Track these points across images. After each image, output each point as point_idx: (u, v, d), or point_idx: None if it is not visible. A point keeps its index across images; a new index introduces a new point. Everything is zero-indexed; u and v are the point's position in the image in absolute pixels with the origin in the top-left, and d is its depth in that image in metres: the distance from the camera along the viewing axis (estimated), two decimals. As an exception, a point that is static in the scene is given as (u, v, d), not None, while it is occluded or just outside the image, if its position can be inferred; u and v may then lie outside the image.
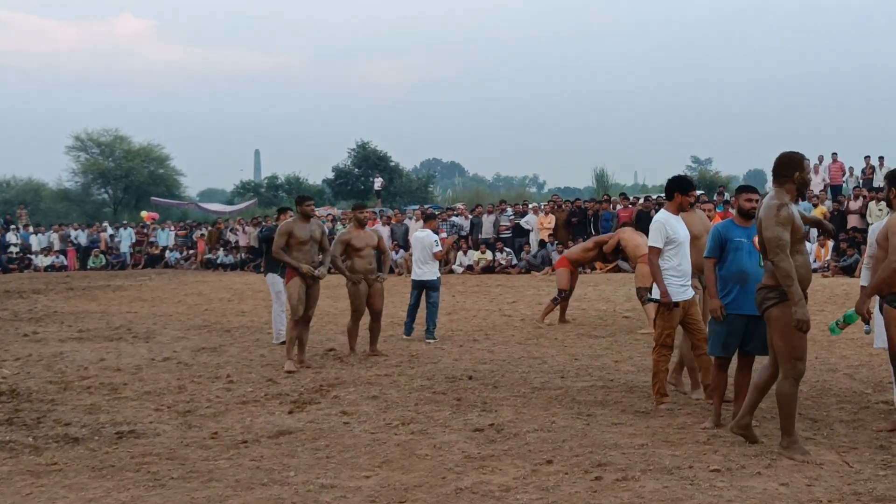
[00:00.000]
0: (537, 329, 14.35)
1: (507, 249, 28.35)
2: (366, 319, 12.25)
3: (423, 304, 13.55)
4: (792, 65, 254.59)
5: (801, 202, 23.74)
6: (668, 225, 8.29)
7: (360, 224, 12.13)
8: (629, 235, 14.81)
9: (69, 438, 7.76)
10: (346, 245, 11.91)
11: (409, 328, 13.70)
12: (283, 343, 12.82)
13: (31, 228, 41.91)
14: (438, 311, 13.80)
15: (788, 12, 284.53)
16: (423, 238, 13.45)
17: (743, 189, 8.13)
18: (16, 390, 10.02)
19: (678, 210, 8.55)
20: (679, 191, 8.51)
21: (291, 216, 13.00)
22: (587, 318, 15.26)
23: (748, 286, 7.39)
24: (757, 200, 7.69)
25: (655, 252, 8.27)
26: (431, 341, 13.20)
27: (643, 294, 13.98)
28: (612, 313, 15.88)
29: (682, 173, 9.05)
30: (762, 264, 7.05)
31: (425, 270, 13.36)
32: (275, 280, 13.26)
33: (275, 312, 13.62)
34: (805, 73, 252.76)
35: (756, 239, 7.11)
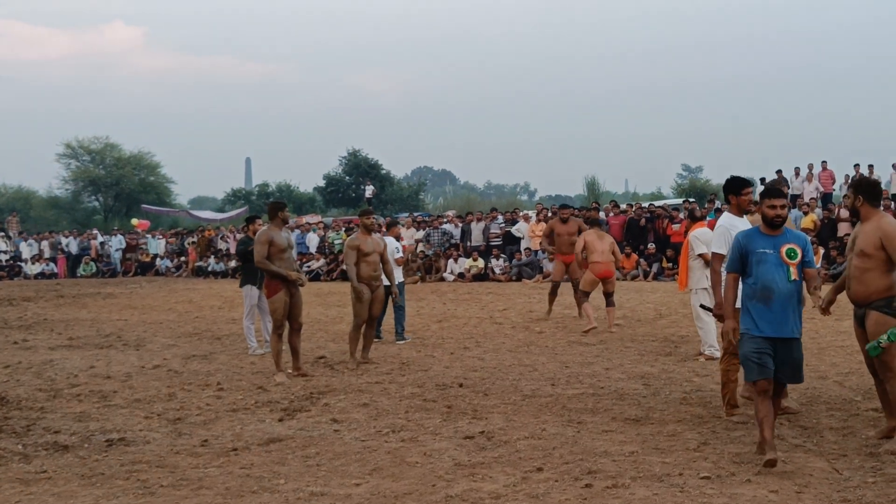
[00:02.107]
0: (528, 336, 14.34)
1: (503, 256, 28.37)
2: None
3: (389, 309, 13.88)
4: (783, 74, 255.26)
5: (791, 210, 23.53)
6: (732, 229, 7.90)
7: (368, 230, 12.08)
8: (591, 239, 15.17)
9: (59, 446, 7.74)
10: (357, 251, 11.86)
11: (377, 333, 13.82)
12: (262, 354, 12.80)
13: (23, 235, 41.85)
14: (405, 314, 14.36)
15: (780, 22, 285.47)
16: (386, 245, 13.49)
17: (768, 193, 7.04)
18: (5, 398, 9.99)
19: (740, 212, 8.32)
20: (732, 192, 8.33)
21: (261, 225, 12.98)
22: (578, 326, 15.26)
23: (773, 304, 6.70)
24: (784, 206, 6.88)
25: (718, 259, 7.87)
26: (402, 342, 13.55)
27: (579, 296, 14.99)
28: (602, 320, 15.88)
29: (736, 175, 8.51)
30: (791, 279, 6.66)
31: None
32: (251, 292, 13.23)
33: (245, 325, 13.53)
34: (796, 82, 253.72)
35: (784, 250, 6.71)
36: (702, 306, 9.22)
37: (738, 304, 7.03)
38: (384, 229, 28.41)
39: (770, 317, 6.71)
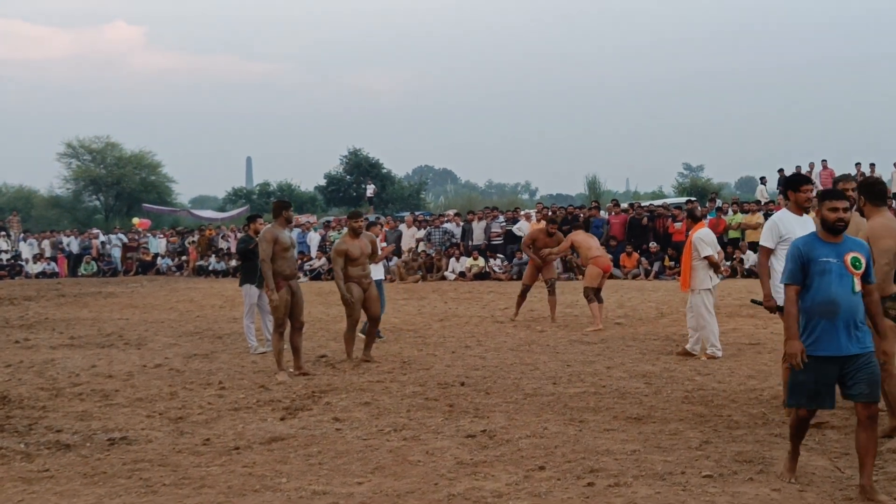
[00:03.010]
0: (529, 335, 14.34)
1: (500, 256, 28.38)
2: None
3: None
4: (783, 73, 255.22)
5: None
6: (782, 224, 7.86)
7: (355, 233, 12.03)
8: (581, 238, 15.49)
9: (61, 445, 7.74)
10: (345, 256, 11.83)
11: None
12: (263, 353, 12.80)
13: (24, 234, 41.88)
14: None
15: (780, 22, 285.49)
16: None
17: (828, 195, 6.22)
18: (7, 397, 10.00)
19: (800, 209, 8.13)
20: (790, 188, 8.18)
21: (262, 224, 13.00)
22: (579, 324, 15.26)
23: (838, 320, 5.94)
24: (846, 210, 6.11)
25: (765, 252, 7.82)
26: (379, 339, 13.51)
27: (589, 293, 14.86)
28: (604, 319, 15.88)
29: (795, 171, 8.41)
30: (856, 290, 5.98)
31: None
32: (250, 291, 13.21)
33: (245, 324, 13.51)
34: (796, 81, 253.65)
35: (849, 259, 6.00)
36: (753, 301, 8.83)
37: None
38: (385, 228, 28.29)
39: (835, 334, 5.95)
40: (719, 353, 11.57)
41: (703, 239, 11.72)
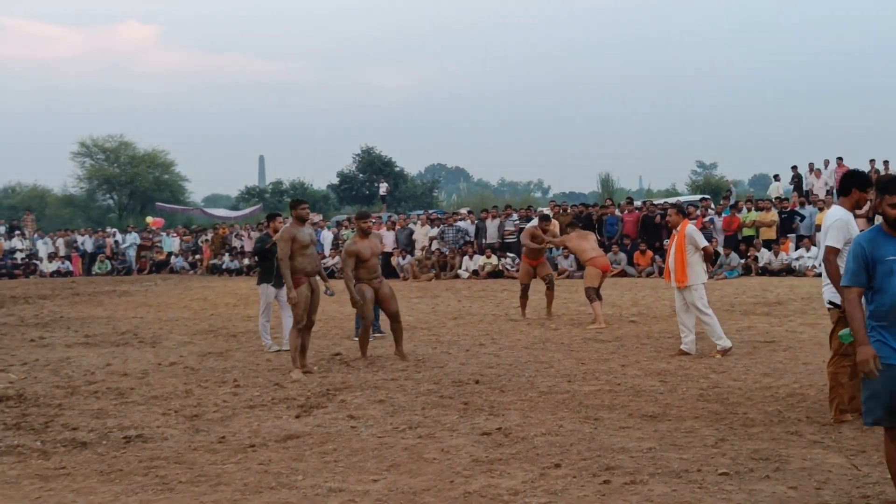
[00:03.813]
0: (544, 333, 14.33)
1: (511, 255, 28.35)
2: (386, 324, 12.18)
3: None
4: (798, 68, 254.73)
5: (806, 206, 23.52)
6: (851, 225, 7.47)
7: (365, 234, 12.04)
8: (575, 243, 15.80)
9: (77, 443, 7.77)
10: (355, 257, 11.83)
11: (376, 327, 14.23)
12: (279, 351, 12.82)
13: (38, 233, 42.03)
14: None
15: (793, 17, 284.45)
16: None
17: (888, 188, 5.58)
18: (23, 395, 10.04)
19: (853, 207, 7.78)
20: (857, 186, 7.72)
21: (282, 223, 13.02)
22: (593, 322, 15.23)
23: None
24: None
25: (834, 252, 7.33)
26: (380, 335, 13.86)
27: (591, 293, 15.05)
28: (619, 317, 15.86)
29: (858, 169, 7.93)
30: None
31: None
32: (267, 290, 13.21)
33: (261, 323, 13.47)
34: (811, 77, 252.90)
35: None
36: (830, 303, 8.23)
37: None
38: (397, 227, 28.34)
39: None
40: (729, 344, 11.56)
41: (698, 230, 11.94)
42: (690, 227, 11.82)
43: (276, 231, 13.06)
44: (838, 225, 7.43)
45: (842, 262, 7.04)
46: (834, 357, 7.78)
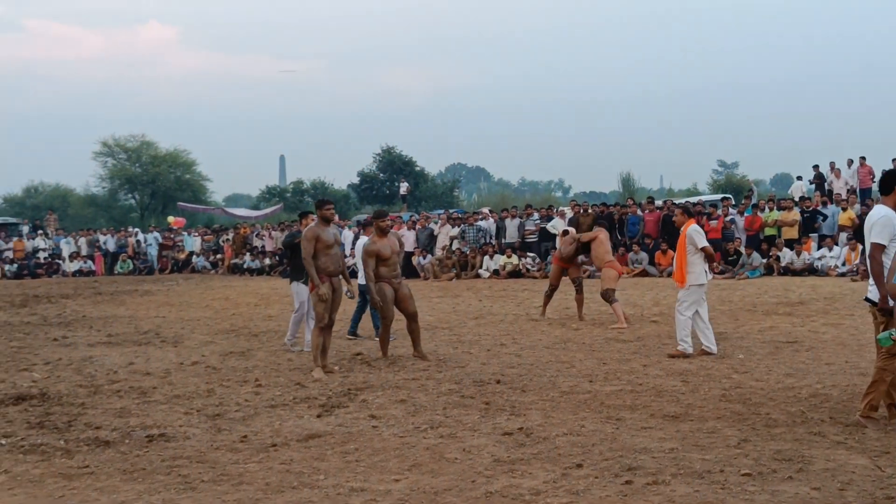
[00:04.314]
0: (565, 333, 14.31)
1: (531, 254, 28.31)
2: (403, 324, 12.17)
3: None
4: (819, 67, 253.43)
5: (828, 206, 23.28)
6: (895, 222, 7.42)
7: (383, 232, 12.03)
8: (604, 238, 15.98)
9: (100, 442, 7.80)
10: (376, 257, 11.85)
11: (353, 328, 14.57)
12: (301, 351, 12.83)
13: (60, 232, 42.28)
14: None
15: (815, 14, 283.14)
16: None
17: None
18: (46, 394, 10.09)
19: None
20: None
21: (314, 220, 13.02)
22: (615, 322, 15.19)
23: None
24: None
25: (880, 249, 7.34)
26: (353, 339, 14.02)
27: (611, 294, 15.10)
28: (640, 317, 15.82)
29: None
30: None
31: None
32: (299, 289, 13.19)
33: (294, 319, 13.39)
34: (833, 75, 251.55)
35: None
36: (867, 300, 8.12)
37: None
38: (418, 226, 28.38)
39: None
40: (690, 350, 11.61)
41: (699, 231, 11.91)
42: (692, 228, 11.83)
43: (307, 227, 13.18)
44: (883, 222, 7.42)
45: (887, 260, 7.19)
46: (886, 356, 7.56)
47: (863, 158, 30.17)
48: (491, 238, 29.93)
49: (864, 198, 27.56)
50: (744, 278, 23.48)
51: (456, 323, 16.12)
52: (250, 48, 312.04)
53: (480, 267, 28.54)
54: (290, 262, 13.77)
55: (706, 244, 11.81)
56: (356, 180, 66.70)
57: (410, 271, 27.78)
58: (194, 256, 38.58)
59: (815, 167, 32.58)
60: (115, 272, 37.94)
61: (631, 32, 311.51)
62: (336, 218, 13.28)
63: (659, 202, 31.02)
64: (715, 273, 13.58)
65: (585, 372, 10.68)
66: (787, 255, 24.55)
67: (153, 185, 62.08)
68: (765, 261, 24.65)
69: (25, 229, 43.86)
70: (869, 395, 7.63)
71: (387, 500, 5.93)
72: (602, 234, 16.03)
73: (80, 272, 37.77)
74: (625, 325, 14.63)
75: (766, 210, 26.89)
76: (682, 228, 11.96)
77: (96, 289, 28.44)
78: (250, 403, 9.35)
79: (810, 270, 23.91)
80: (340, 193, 65.65)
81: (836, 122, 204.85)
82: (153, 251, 39.16)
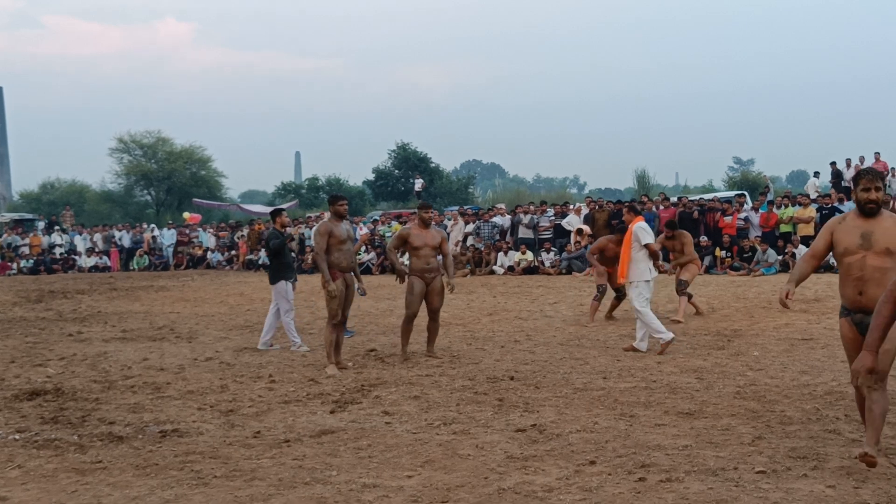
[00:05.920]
0: (579, 330, 14.29)
1: (554, 249, 28.28)
2: (423, 319, 12.09)
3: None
4: (833, 65, 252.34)
5: (845, 202, 23.23)
6: None
7: (424, 223, 11.98)
8: (687, 241, 16.16)
9: (113, 437, 7.81)
10: (403, 241, 11.85)
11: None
12: (304, 351, 12.77)
13: (77, 228, 42.42)
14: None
15: (829, 14, 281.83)
16: None
17: None
18: (61, 389, 10.11)
19: None
20: None
21: (286, 217, 13.09)
22: (630, 319, 15.15)
23: None
24: None
25: None
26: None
27: (684, 287, 15.35)
28: (655, 314, 15.77)
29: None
30: None
31: None
32: (286, 288, 13.11)
33: (286, 322, 13.21)
34: (847, 73, 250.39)
35: None
36: None
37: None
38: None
39: None
40: (645, 349, 11.81)
41: (644, 229, 12.08)
42: (637, 225, 12.08)
43: (282, 226, 13.36)
44: None
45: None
46: None
47: (877, 154, 30.09)
48: (506, 234, 29.89)
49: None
50: (759, 275, 23.40)
51: (470, 319, 16.11)
52: (267, 44, 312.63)
53: (495, 263, 28.54)
54: (274, 262, 13.44)
55: (651, 241, 12.04)
56: (371, 177, 66.64)
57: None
58: (209, 252, 38.63)
59: (833, 164, 32.46)
60: (131, 268, 38.03)
61: (648, 33, 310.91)
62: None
63: (674, 199, 30.92)
64: (661, 271, 13.68)
65: (599, 369, 10.66)
66: (802, 252, 24.41)
67: (169, 182, 62.10)
68: (780, 257, 24.55)
69: (42, 225, 43.98)
70: None
71: (399, 496, 5.92)
72: (686, 237, 16.25)
73: (95, 268, 37.91)
74: (681, 320, 14.64)
75: (782, 207, 26.78)
76: (629, 225, 12.21)
77: (111, 284, 28.54)
78: (263, 399, 9.35)
79: (826, 267, 23.76)
80: (355, 190, 65.56)
81: (852, 120, 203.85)
82: (169, 247, 39.17)
